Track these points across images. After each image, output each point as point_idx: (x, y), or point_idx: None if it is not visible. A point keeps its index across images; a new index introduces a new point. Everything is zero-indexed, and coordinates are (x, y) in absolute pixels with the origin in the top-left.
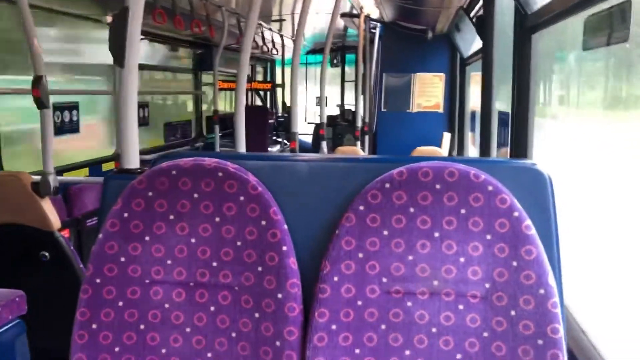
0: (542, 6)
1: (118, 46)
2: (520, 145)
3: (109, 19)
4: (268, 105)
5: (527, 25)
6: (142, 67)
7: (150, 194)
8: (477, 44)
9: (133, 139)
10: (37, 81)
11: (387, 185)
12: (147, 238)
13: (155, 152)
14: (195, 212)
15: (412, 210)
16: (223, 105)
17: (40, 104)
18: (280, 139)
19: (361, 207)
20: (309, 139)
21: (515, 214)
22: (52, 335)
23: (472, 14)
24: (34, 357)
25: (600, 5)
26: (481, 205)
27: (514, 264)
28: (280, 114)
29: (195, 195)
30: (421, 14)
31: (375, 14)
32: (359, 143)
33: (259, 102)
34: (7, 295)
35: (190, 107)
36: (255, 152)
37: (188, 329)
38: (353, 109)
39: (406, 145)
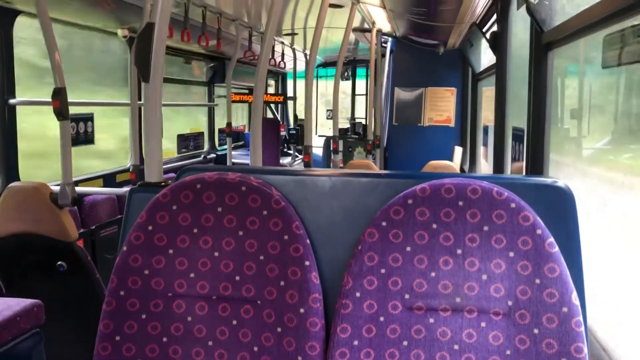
0: (559, 24)
1: (143, 61)
2: (536, 161)
3: (125, 32)
4: (279, 118)
5: (543, 42)
6: None
7: (174, 207)
8: (489, 59)
9: (156, 153)
10: (58, 93)
11: (410, 201)
12: (170, 251)
13: (168, 164)
14: (218, 226)
15: (434, 226)
16: (232, 118)
17: (60, 115)
18: (291, 151)
19: (384, 223)
20: (319, 152)
21: (538, 231)
22: (69, 345)
23: (485, 29)
24: None
25: (619, 24)
26: (504, 222)
27: (537, 281)
28: (292, 127)
29: (219, 209)
30: (433, 29)
31: (387, 29)
32: (370, 157)
33: (269, 115)
34: (26, 305)
35: (202, 119)
36: (266, 164)
37: (210, 343)
38: (364, 122)
39: (417, 159)
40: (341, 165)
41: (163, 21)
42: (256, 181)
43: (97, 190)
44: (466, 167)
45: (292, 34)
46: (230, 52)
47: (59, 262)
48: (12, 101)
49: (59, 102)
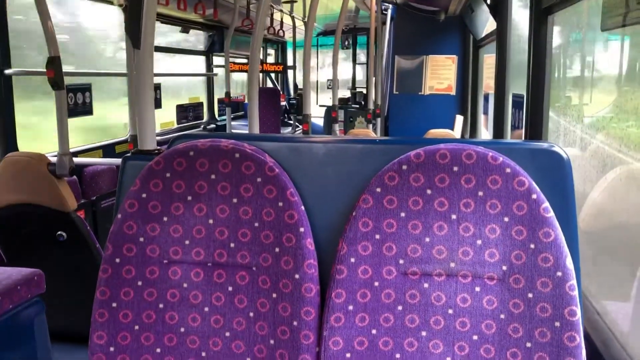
0: None
1: (134, 28)
2: (536, 127)
3: (120, 0)
4: (280, 88)
5: (543, 6)
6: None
7: (167, 174)
8: (491, 25)
9: (150, 120)
10: (52, 62)
11: (404, 167)
12: (165, 218)
13: (166, 135)
14: (212, 193)
15: (429, 192)
16: (232, 88)
17: (55, 84)
18: (291, 121)
19: (378, 189)
20: (320, 122)
21: (534, 196)
22: (69, 313)
23: None
24: (51, 334)
25: None
26: (499, 187)
27: (532, 246)
28: (291, 96)
29: (213, 176)
30: None
31: None
32: (370, 126)
33: (270, 84)
34: (26, 274)
35: (201, 89)
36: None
37: (206, 309)
38: (364, 91)
39: (418, 128)
40: (342, 135)
41: None
42: (250, 148)
43: (95, 160)
44: (467, 136)
45: (292, 2)
46: (229, 20)
47: (59, 232)
48: (7, 71)
49: (54, 72)
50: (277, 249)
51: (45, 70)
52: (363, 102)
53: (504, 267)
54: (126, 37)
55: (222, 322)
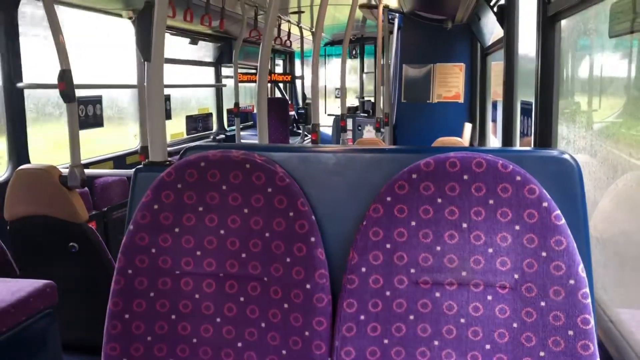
0: None
1: (144, 40)
2: (545, 134)
3: (130, 13)
4: (288, 98)
5: (550, 12)
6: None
7: (179, 186)
8: (498, 32)
9: (160, 132)
10: (63, 75)
11: (414, 175)
12: (176, 230)
13: (177, 145)
14: (223, 204)
15: (439, 200)
16: (242, 99)
17: (66, 97)
18: (300, 131)
19: (388, 198)
20: (328, 131)
21: (544, 204)
22: (81, 324)
23: (492, 3)
24: (63, 345)
25: None
26: (509, 195)
27: (544, 254)
28: (300, 106)
29: (224, 187)
30: (440, 3)
31: (393, 4)
32: (379, 134)
33: (278, 94)
34: (39, 286)
35: (211, 100)
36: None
37: (218, 319)
38: (372, 100)
39: (427, 137)
40: (350, 144)
41: (162, 0)
42: (260, 158)
43: (106, 172)
44: (476, 144)
45: (299, 12)
46: (237, 32)
47: (71, 243)
48: (19, 85)
49: (65, 84)
50: (288, 259)
51: (56, 83)
52: (371, 111)
53: (516, 276)
54: (136, 49)
55: (234, 333)
